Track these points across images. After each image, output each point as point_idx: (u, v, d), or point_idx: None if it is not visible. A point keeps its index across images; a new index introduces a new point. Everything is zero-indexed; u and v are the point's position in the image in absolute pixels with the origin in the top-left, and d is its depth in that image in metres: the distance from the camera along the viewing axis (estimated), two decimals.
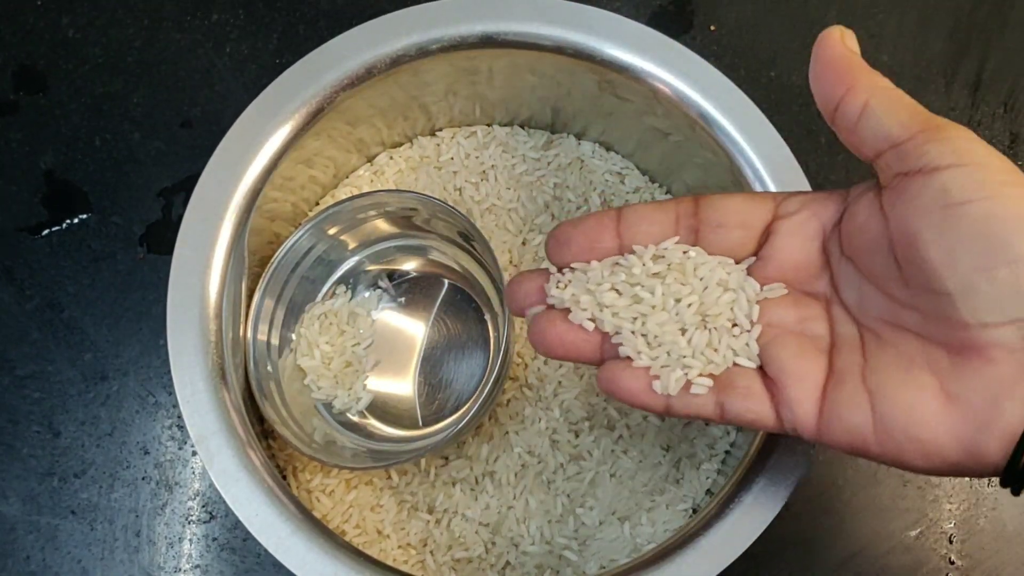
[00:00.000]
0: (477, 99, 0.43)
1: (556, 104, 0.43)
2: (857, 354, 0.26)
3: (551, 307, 0.29)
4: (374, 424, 0.41)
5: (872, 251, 0.26)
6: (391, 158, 0.45)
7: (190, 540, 0.42)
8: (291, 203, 0.41)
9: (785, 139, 0.37)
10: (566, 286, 0.29)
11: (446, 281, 0.43)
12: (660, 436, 0.40)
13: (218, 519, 0.42)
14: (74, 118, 0.47)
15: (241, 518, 0.33)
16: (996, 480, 0.43)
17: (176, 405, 0.38)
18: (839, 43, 0.26)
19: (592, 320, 0.29)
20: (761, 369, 0.27)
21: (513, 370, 0.41)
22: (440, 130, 0.45)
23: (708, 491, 0.40)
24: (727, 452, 0.40)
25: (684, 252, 0.28)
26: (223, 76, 0.48)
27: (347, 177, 0.44)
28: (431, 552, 0.39)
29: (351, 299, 0.42)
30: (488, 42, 0.38)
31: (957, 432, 0.23)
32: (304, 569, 0.33)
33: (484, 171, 0.44)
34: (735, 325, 0.28)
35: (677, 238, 0.29)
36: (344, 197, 0.40)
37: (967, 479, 0.43)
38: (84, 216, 0.46)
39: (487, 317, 0.42)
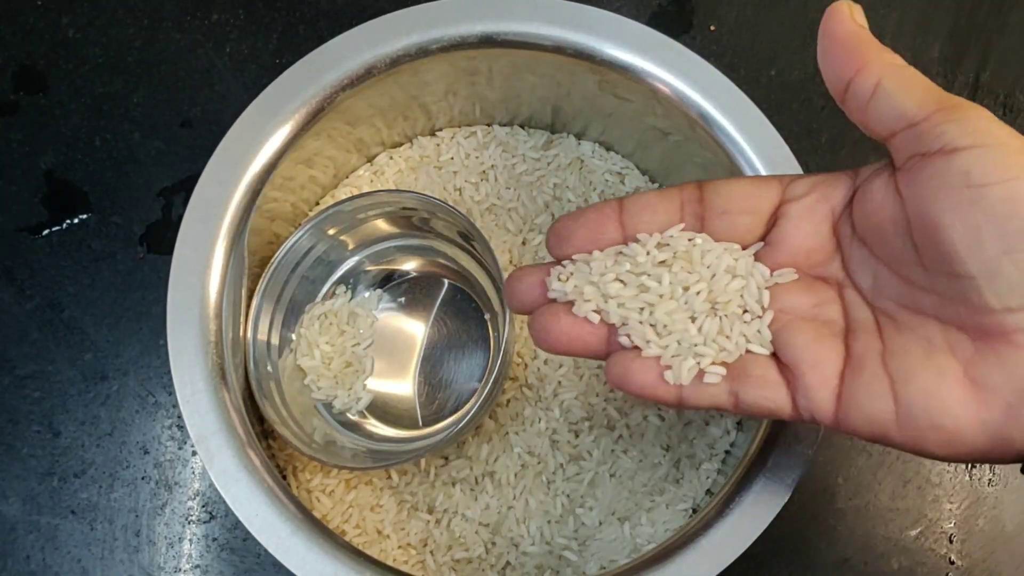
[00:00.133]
0: (477, 99, 0.43)
1: (556, 104, 0.43)
2: (875, 338, 0.25)
3: (553, 301, 0.29)
4: (374, 424, 0.41)
5: (887, 233, 0.25)
6: (391, 158, 0.45)
7: (190, 540, 0.42)
8: (291, 203, 0.41)
9: (785, 139, 0.37)
10: (568, 278, 0.28)
11: (446, 281, 0.43)
12: (660, 436, 0.40)
13: (218, 519, 0.42)
14: (74, 118, 0.47)
15: (241, 518, 0.33)
16: (996, 480, 0.43)
17: (176, 405, 0.38)
18: (848, 19, 0.25)
19: (597, 312, 0.28)
20: (775, 356, 0.27)
21: (513, 370, 0.41)
22: (440, 130, 0.45)
23: (708, 491, 0.40)
24: (727, 452, 0.40)
25: (690, 239, 0.28)
26: (223, 76, 0.48)
27: (347, 177, 0.44)
28: (431, 552, 0.39)
29: (351, 299, 0.42)
30: (488, 42, 0.38)
31: (983, 419, 0.23)
32: (304, 569, 0.33)
33: (484, 171, 0.44)
34: (746, 312, 0.27)
35: (682, 225, 0.28)
36: (344, 197, 0.40)
37: (967, 479, 0.43)
38: (84, 216, 0.46)
39: (487, 317, 0.42)
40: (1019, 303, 0.22)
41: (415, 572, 0.38)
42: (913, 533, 0.42)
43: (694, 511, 0.40)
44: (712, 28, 0.49)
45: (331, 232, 0.41)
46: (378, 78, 0.38)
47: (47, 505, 0.42)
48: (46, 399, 0.43)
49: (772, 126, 0.37)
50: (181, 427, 0.43)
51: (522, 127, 0.45)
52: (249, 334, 0.38)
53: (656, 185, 0.45)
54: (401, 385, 0.41)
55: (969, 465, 0.43)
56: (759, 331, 0.27)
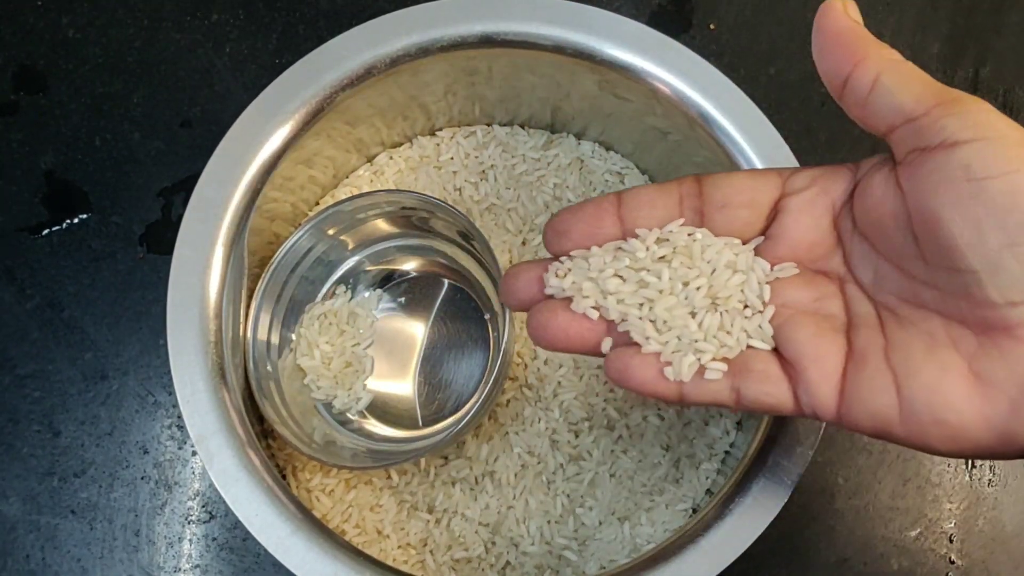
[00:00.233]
0: (477, 99, 0.43)
1: (556, 104, 0.43)
2: (877, 333, 0.25)
3: (550, 298, 0.28)
4: (374, 424, 0.41)
5: (888, 228, 0.25)
6: (391, 158, 0.45)
7: (190, 540, 0.42)
8: (291, 203, 0.41)
9: (785, 138, 0.37)
10: (566, 274, 0.28)
11: (446, 281, 0.43)
12: (659, 436, 0.40)
13: (218, 519, 0.42)
14: (74, 118, 0.47)
15: (241, 518, 0.33)
16: (996, 480, 0.43)
17: (176, 405, 0.38)
18: (843, 14, 0.25)
19: (596, 308, 0.27)
20: (776, 351, 0.27)
21: (513, 370, 0.41)
22: (440, 130, 0.45)
23: (708, 491, 0.40)
24: (727, 452, 0.40)
25: (689, 234, 0.27)
26: (223, 76, 0.48)
27: (347, 177, 0.44)
28: (431, 552, 0.39)
29: (351, 299, 0.42)
30: (488, 42, 0.38)
31: (987, 415, 0.23)
32: (304, 569, 0.33)
33: (484, 171, 0.44)
34: (747, 307, 0.27)
35: (682, 220, 0.28)
36: (344, 197, 0.40)
37: (967, 479, 0.43)
38: (84, 216, 0.46)
39: (487, 317, 0.42)
40: (1022, 297, 0.22)
41: (415, 572, 0.38)
42: (913, 533, 0.42)
43: (694, 511, 0.40)
44: (711, 27, 0.49)
45: (331, 232, 0.41)
46: (378, 78, 0.38)
47: (47, 505, 0.42)
48: (46, 398, 0.43)
49: (772, 125, 0.37)
50: (181, 427, 0.43)
51: (522, 127, 0.45)
52: (249, 334, 0.38)
53: None
54: (401, 385, 0.41)
55: (969, 465, 0.43)
56: (760, 326, 0.27)
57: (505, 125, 0.45)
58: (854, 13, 0.25)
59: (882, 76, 0.24)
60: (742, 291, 0.27)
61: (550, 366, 0.41)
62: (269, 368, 0.39)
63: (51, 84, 0.47)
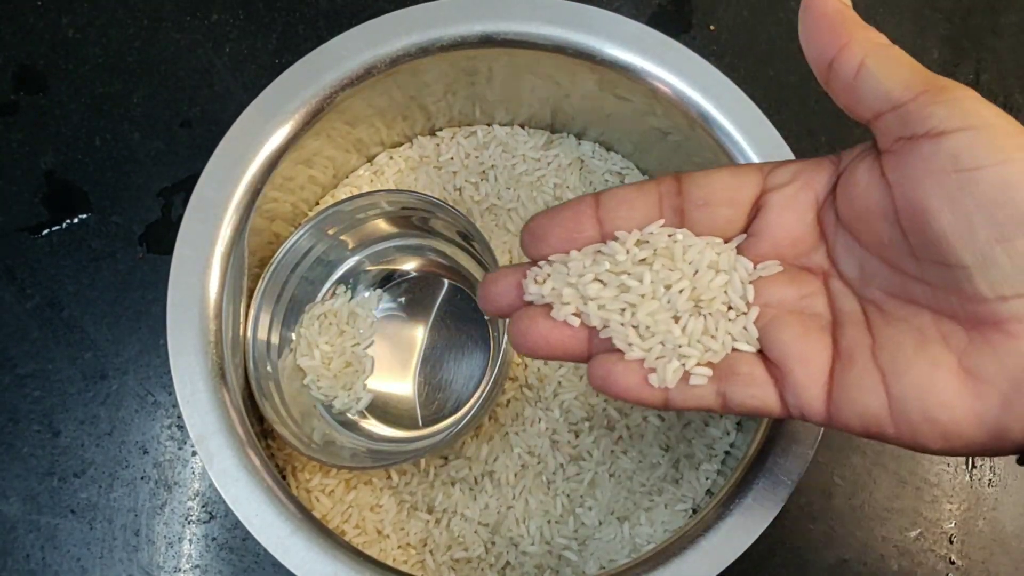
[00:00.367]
0: (477, 99, 0.43)
1: (556, 104, 0.43)
2: (863, 331, 0.25)
3: (530, 304, 0.27)
4: (374, 424, 0.41)
5: (874, 221, 0.24)
6: (391, 158, 0.45)
7: (189, 540, 0.42)
8: (291, 203, 0.41)
9: (785, 138, 0.37)
10: (545, 280, 0.27)
11: (446, 281, 0.43)
12: (659, 436, 0.40)
13: (218, 519, 0.42)
14: (74, 118, 0.47)
15: (241, 518, 0.33)
16: (996, 480, 0.43)
17: (176, 405, 0.38)
18: None
19: (577, 315, 0.27)
20: (761, 353, 0.26)
21: (513, 370, 0.41)
22: (440, 130, 0.45)
23: (708, 491, 0.40)
24: (727, 452, 0.40)
25: (670, 235, 0.26)
26: (222, 76, 0.48)
27: (347, 177, 0.44)
28: (431, 552, 0.39)
29: (351, 299, 0.42)
30: (488, 42, 0.38)
31: (978, 412, 0.22)
32: (304, 569, 0.33)
33: (484, 171, 0.44)
34: (730, 308, 0.26)
35: (662, 221, 0.27)
36: (344, 197, 0.40)
37: (967, 479, 0.43)
38: (84, 216, 0.46)
39: (487, 317, 0.42)
40: (1013, 291, 0.21)
41: (415, 572, 0.38)
42: (912, 534, 0.42)
43: (694, 511, 0.40)
44: (711, 28, 0.49)
45: (331, 232, 0.41)
46: (378, 78, 0.38)
47: (47, 505, 0.42)
48: (46, 398, 0.43)
49: (772, 126, 0.37)
50: (181, 427, 0.43)
51: (522, 127, 0.45)
52: (249, 334, 0.38)
53: None
54: (401, 385, 0.41)
55: (969, 465, 0.43)
56: (745, 328, 0.26)
57: (505, 125, 0.45)
58: None
59: (868, 60, 0.23)
60: (725, 292, 0.26)
61: (550, 366, 0.41)
62: (269, 368, 0.39)
63: (51, 84, 0.47)
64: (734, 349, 0.26)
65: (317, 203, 0.44)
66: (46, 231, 0.45)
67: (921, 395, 0.23)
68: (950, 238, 0.22)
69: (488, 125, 0.45)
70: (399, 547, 0.39)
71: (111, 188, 0.46)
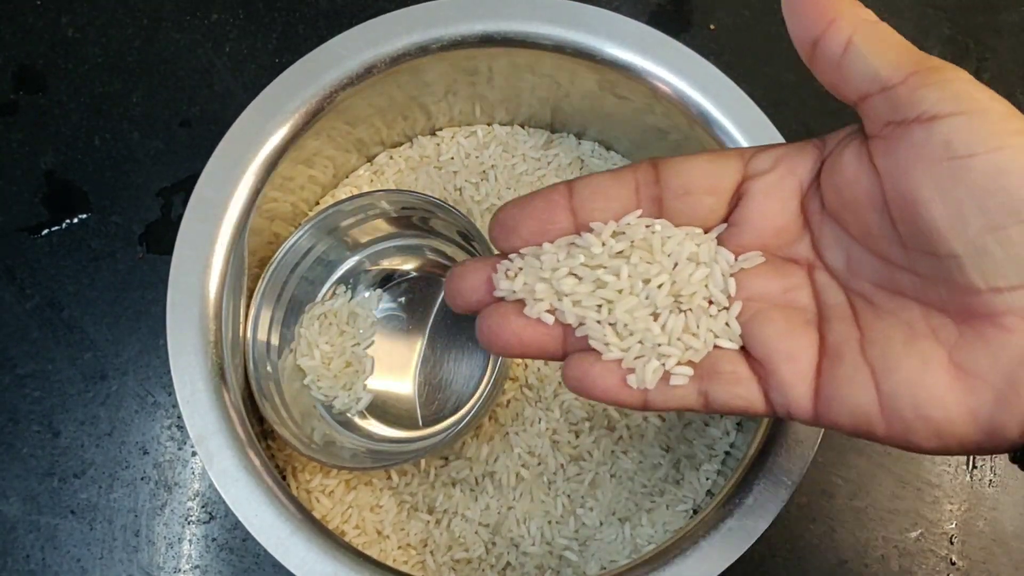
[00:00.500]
0: (477, 99, 0.43)
1: (556, 103, 0.43)
2: (850, 325, 0.23)
3: (501, 300, 0.26)
4: (374, 424, 0.41)
5: (861, 209, 0.23)
6: (391, 158, 0.45)
7: (189, 540, 0.42)
8: (291, 203, 0.41)
9: (784, 137, 0.37)
10: (516, 274, 0.25)
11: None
12: (660, 437, 0.40)
13: (217, 519, 0.42)
14: (74, 118, 0.47)
15: (241, 518, 0.33)
16: (997, 481, 0.43)
17: (176, 405, 0.38)
18: None
19: (551, 311, 0.25)
20: (744, 350, 0.25)
21: (513, 370, 0.41)
22: (440, 130, 0.45)
23: (708, 492, 0.40)
24: (727, 453, 0.40)
25: (648, 226, 0.25)
26: (222, 76, 0.48)
27: (347, 177, 0.44)
28: (431, 552, 0.39)
29: (351, 299, 0.42)
30: (488, 41, 0.38)
31: (971, 408, 0.21)
32: (304, 569, 0.33)
33: (484, 171, 0.44)
34: (712, 303, 0.25)
35: (640, 211, 0.25)
36: (344, 197, 0.40)
37: (967, 479, 0.43)
38: (84, 216, 0.46)
39: None
40: (1006, 283, 0.21)
41: (415, 572, 0.38)
42: (913, 535, 0.42)
43: (694, 512, 0.40)
44: (711, 27, 0.49)
45: (331, 232, 0.41)
46: (378, 78, 0.38)
47: (47, 505, 0.42)
48: (46, 398, 0.43)
49: (772, 125, 0.37)
50: (181, 427, 0.43)
51: (522, 127, 0.45)
52: (249, 334, 0.38)
53: None
54: (401, 385, 0.41)
55: (969, 466, 0.43)
56: (727, 324, 0.25)
57: (505, 125, 0.45)
58: None
59: (855, 38, 0.22)
60: (706, 286, 0.25)
61: (551, 366, 0.41)
62: (269, 368, 0.39)
63: (51, 84, 0.47)
64: (716, 346, 0.25)
65: (317, 203, 0.44)
66: (46, 231, 0.45)
67: (913, 391, 0.22)
68: (941, 227, 0.21)
69: (488, 125, 0.45)
70: (399, 548, 0.39)
71: (111, 188, 0.46)
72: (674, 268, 0.25)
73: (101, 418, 0.43)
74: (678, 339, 0.25)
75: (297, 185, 0.41)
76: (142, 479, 0.42)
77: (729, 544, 0.33)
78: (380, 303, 0.42)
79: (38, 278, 0.45)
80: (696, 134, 0.38)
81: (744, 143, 0.37)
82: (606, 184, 0.26)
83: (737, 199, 0.25)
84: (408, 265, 0.43)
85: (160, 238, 0.45)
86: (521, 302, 0.26)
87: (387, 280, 0.43)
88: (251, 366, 0.38)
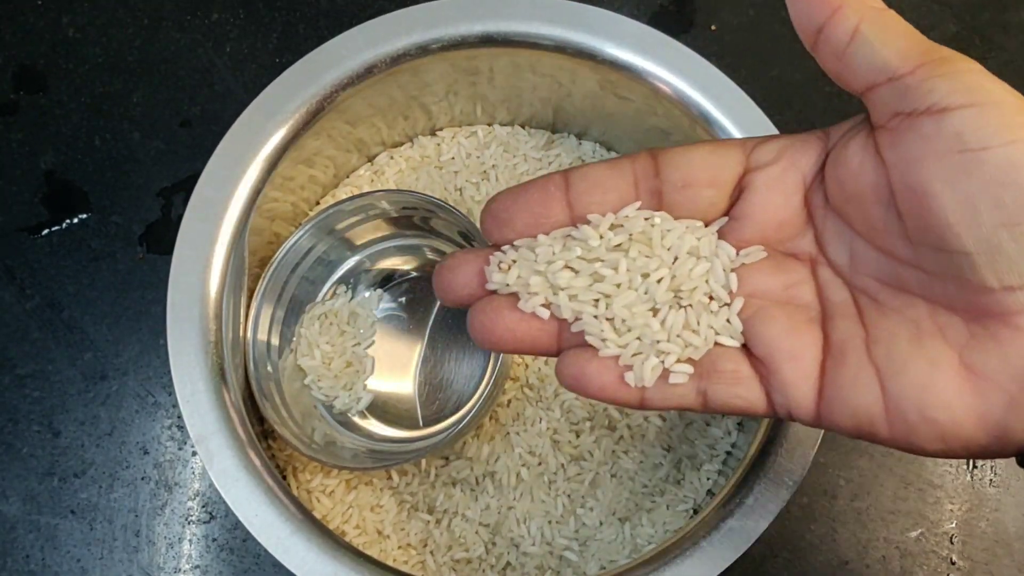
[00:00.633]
0: (478, 99, 0.43)
1: (557, 104, 0.43)
2: (855, 323, 0.23)
3: (493, 293, 0.25)
4: (374, 424, 0.41)
5: (866, 203, 0.22)
6: (391, 158, 0.45)
7: (190, 540, 0.41)
8: (291, 203, 0.41)
9: None
10: (510, 267, 0.24)
11: None
12: (661, 437, 0.40)
13: (218, 519, 0.42)
14: (74, 118, 0.47)
15: (241, 518, 0.33)
16: (998, 481, 0.43)
17: (176, 405, 0.38)
18: None
19: (546, 306, 0.24)
20: (745, 348, 0.24)
21: (514, 370, 0.41)
22: (441, 130, 0.45)
23: (709, 492, 0.40)
24: (728, 453, 0.40)
25: (647, 219, 0.24)
26: (223, 76, 0.48)
27: (347, 177, 0.44)
28: (431, 552, 0.39)
29: (351, 299, 0.42)
30: (488, 41, 0.38)
31: (980, 412, 0.21)
32: (304, 569, 0.33)
33: (485, 171, 0.44)
34: (712, 299, 0.24)
35: (639, 204, 0.24)
36: (344, 197, 0.40)
37: (968, 480, 0.43)
38: (84, 216, 0.45)
39: None
40: (1020, 281, 0.20)
41: (415, 572, 0.38)
42: (914, 535, 0.42)
43: (695, 512, 0.40)
44: (713, 28, 0.49)
45: (331, 232, 0.41)
46: (378, 78, 0.38)
47: (47, 505, 0.42)
48: (46, 398, 0.43)
49: (774, 126, 0.37)
50: (181, 427, 0.43)
51: (523, 127, 0.45)
52: (249, 334, 0.38)
53: None
54: (401, 385, 0.41)
55: (970, 466, 0.43)
56: (728, 320, 0.24)
57: (506, 125, 0.45)
58: None
59: (863, 26, 0.21)
60: (707, 282, 0.24)
61: (551, 366, 0.41)
62: (269, 368, 0.39)
63: (51, 84, 0.47)
64: (716, 344, 0.24)
65: (318, 203, 0.44)
66: (46, 231, 0.45)
67: (919, 394, 0.21)
68: (952, 223, 0.20)
69: (489, 125, 0.45)
70: (399, 547, 0.39)
71: (111, 188, 0.46)
72: (674, 262, 0.24)
73: (101, 418, 0.43)
74: (678, 336, 0.24)
75: (298, 185, 0.41)
76: (142, 479, 0.42)
77: (729, 544, 0.33)
78: (380, 303, 0.42)
79: (38, 278, 0.45)
80: (697, 135, 0.38)
81: None
82: (604, 175, 0.25)
83: (739, 192, 0.25)
84: (408, 265, 0.43)
85: (160, 238, 0.45)
86: (515, 296, 0.25)
87: (387, 280, 0.43)
88: (251, 366, 0.38)
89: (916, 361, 0.21)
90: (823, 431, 0.34)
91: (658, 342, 0.24)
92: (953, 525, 0.42)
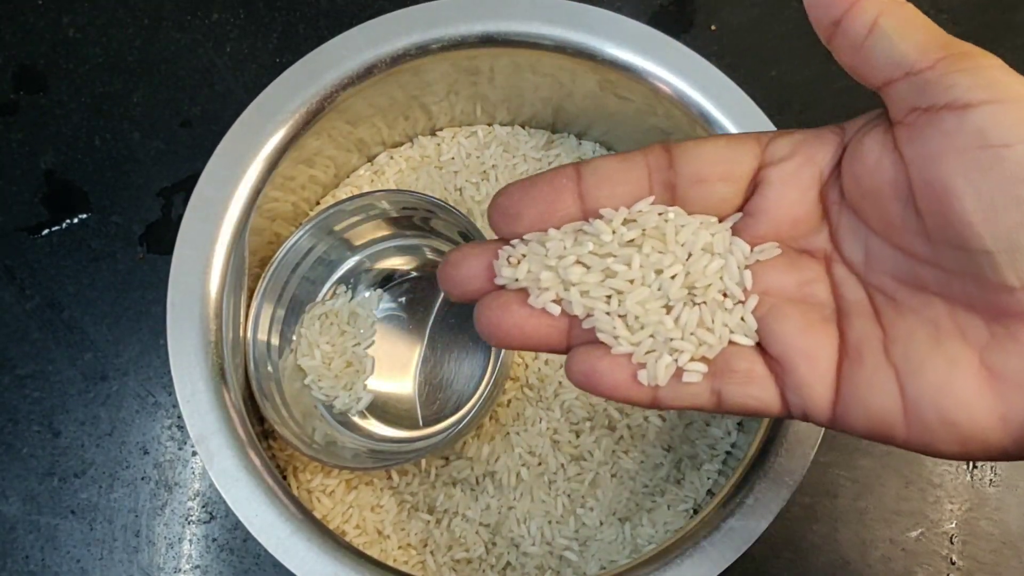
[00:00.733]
0: (478, 99, 0.43)
1: (557, 104, 0.43)
2: (872, 323, 0.22)
3: (501, 288, 0.24)
4: (374, 424, 0.41)
5: (884, 199, 0.22)
6: (391, 158, 0.45)
7: (190, 540, 0.41)
8: (291, 203, 0.41)
9: None
10: (520, 261, 0.24)
11: None
12: (661, 436, 0.40)
13: (218, 519, 0.42)
14: (74, 118, 0.47)
15: (241, 518, 0.33)
16: (998, 481, 0.43)
17: (176, 405, 0.38)
18: None
19: (557, 302, 0.24)
20: (759, 346, 0.24)
21: (514, 370, 0.41)
22: (441, 130, 0.45)
23: (709, 491, 0.40)
24: (728, 452, 0.40)
25: (660, 214, 0.24)
26: (223, 76, 0.48)
27: (347, 177, 0.44)
28: (431, 552, 0.39)
29: (351, 299, 0.42)
30: (488, 41, 0.38)
31: (1000, 414, 0.20)
32: (304, 569, 0.33)
33: (485, 171, 0.44)
34: (726, 296, 0.24)
35: (652, 198, 0.24)
36: (345, 197, 0.40)
37: (968, 479, 0.43)
38: (84, 216, 0.45)
39: None
40: None
41: (415, 572, 0.38)
42: (914, 534, 0.42)
43: (695, 512, 0.40)
44: (713, 28, 0.49)
45: (332, 232, 0.41)
46: (379, 78, 0.38)
47: (47, 505, 0.42)
48: (46, 399, 0.43)
49: (774, 126, 0.37)
50: (181, 427, 0.43)
51: (523, 127, 0.45)
52: (249, 334, 0.38)
53: None
54: (401, 385, 0.41)
55: (971, 466, 0.43)
56: (743, 318, 0.23)
57: (506, 125, 0.45)
58: None
59: (881, 20, 0.21)
60: (721, 279, 0.24)
61: (551, 366, 0.41)
62: (270, 368, 0.39)
63: (51, 84, 0.47)
64: (730, 342, 0.24)
65: (318, 203, 0.44)
66: (46, 231, 0.45)
67: (939, 396, 0.21)
68: (973, 220, 0.20)
69: (489, 125, 0.45)
70: (400, 547, 0.39)
71: (111, 188, 0.46)
72: (688, 259, 0.24)
73: (101, 418, 0.43)
74: (691, 334, 0.23)
75: (298, 185, 0.41)
76: (142, 479, 0.42)
77: (730, 544, 0.33)
78: (381, 303, 0.42)
79: (38, 278, 0.45)
80: (697, 135, 0.38)
81: None
82: (616, 168, 0.24)
83: (753, 187, 0.24)
84: (408, 265, 0.43)
85: (160, 238, 0.45)
86: (524, 291, 0.24)
87: (387, 280, 0.43)
88: (251, 366, 0.38)
89: (935, 361, 0.21)
90: (823, 431, 0.34)
91: (672, 340, 0.23)
92: (953, 525, 0.42)
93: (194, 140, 0.46)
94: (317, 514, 0.38)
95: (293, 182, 0.40)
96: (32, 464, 0.42)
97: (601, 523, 0.39)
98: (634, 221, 0.24)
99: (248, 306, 0.39)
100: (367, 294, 0.42)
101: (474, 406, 0.37)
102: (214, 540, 0.42)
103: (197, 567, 0.41)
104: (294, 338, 0.41)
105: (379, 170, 0.44)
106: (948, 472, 0.43)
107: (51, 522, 0.42)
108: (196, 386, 0.35)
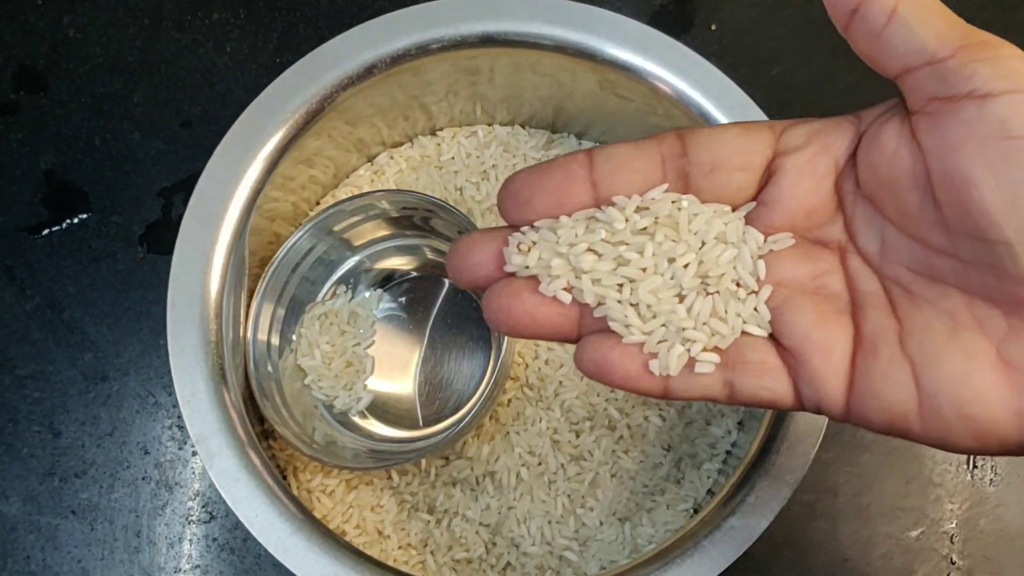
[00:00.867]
0: (478, 99, 0.43)
1: (557, 104, 0.43)
2: (887, 315, 0.22)
3: (511, 275, 0.24)
4: (374, 424, 0.41)
5: (901, 189, 0.22)
6: (391, 158, 0.45)
7: (190, 540, 0.41)
8: (291, 203, 0.41)
9: None
10: (530, 248, 0.24)
11: (446, 281, 0.43)
12: (661, 436, 0.40)
13: (218, 519, 0.42)
14: (74, 118, 0.47)
15: (241, 518, 0.33)
16: (998, 480, 0.43)
17: (176, 405, 0.38)
18: None
19: (568, 290, 0.24)
20: (772, 338, 0.23)
21: (514, 370, 0.41)
22: (441, 130, 0.45)
23: (709, 491, 0.40)
24: (728, 452, 0.40)
25: (674, 202, 0.23)
26: (223, 76, 0.48)
27: (347, 177, 0.44)
28: (431, 552, 0.39)
29: (351, 299, 0.42)
30: (489, 41, 0.38)
31: (1018, 408, 0.20)
32: (304, 569, 0.33)
33: (485, 171, 0.44)
34: (739, 286, 0.24)
35: (666, 186, 0.24)
36: (344, 197, 0.40)
37: (968, 478, 0.43)
38: (84, 216, 0.45)
39: None
40: None
41: (415, 572, 0.38)
42: (914, 533, 0.42)
43: (695, 511, 0.40)
44: (713, 28, 0.49)
45: (331, 232, 0.41)
46: (379, 78, 0.38)
47: (47, 505, 0.42)
48: (46, 399, 0.43)
49: None
50: (181, 427, 0.43)
51: (523, 127, 0.45)
52: (249, 334, 0.38)
53: None
54: (401, 385, 0.41)
55: (970, 464, 0.43)
56: (756, 309, 0.23)
57: (506, 125, 0.45)
58: None
59: (900, 7, 0.21)
60: (734, 268, 0.24)
61: (551, 366, 0.41)
62: (270, 368, 0.39)
63: (51, 84, 0.47)
64: (743, 333, 0.23)
65: (318, 203, 0.44)
66: (46, 231, 0.45)
67: (956, 389, 0.21)
68: (993, 211, 0.20)
69: (489, 125, 0.45)
70: (400, 547, 0.39)
71: (111, 188, 0.46)
72: (701, 247, 0.23)
73: (102, 418, 0.43)
74: (704, 323, 0.23)
75: (298, 185, 0.41)
76: (143, 479, 0.42)
77: (731, 543, 0.33)
78: (381, 303, 0.42)
79: (38, 278, 0.45)
80: None
81: None
82: (629, 155, 0.24)
83: (767, 176, 0.24)
84: (408, 265, 0.43)
85: (161, 238, 0.45)
86: (534, 279, 0.24)
87: (387, 280, 0.43)
88: (252, 366, 0.38)
89: (952, 354, 0.21)
90: (824, 429, 0.34)
91: (684, 329, 0.23)
92: (953, 524, 0.42)
93: (194, 140, 0.46)
94: (317, 514, 0.38)
95: (293, 182, 0.40)
96: (33, 464, 0.42)
97: (601, 523, 0.39)
98: (647, 209, 0.24)
99: (248, 306, 0.39)
100: (367, 294, 0.42)
101: (474, 406, 0.37)
102: (214, 540, 0.42)
103: (197, 567, 0.41)
104: (294, 338, 0.41)
105: (379, 170, 0.44)
106: (948, 471, 0.43)
107: (52, 522, 0.42)
108: (196, 386, 0.35)
